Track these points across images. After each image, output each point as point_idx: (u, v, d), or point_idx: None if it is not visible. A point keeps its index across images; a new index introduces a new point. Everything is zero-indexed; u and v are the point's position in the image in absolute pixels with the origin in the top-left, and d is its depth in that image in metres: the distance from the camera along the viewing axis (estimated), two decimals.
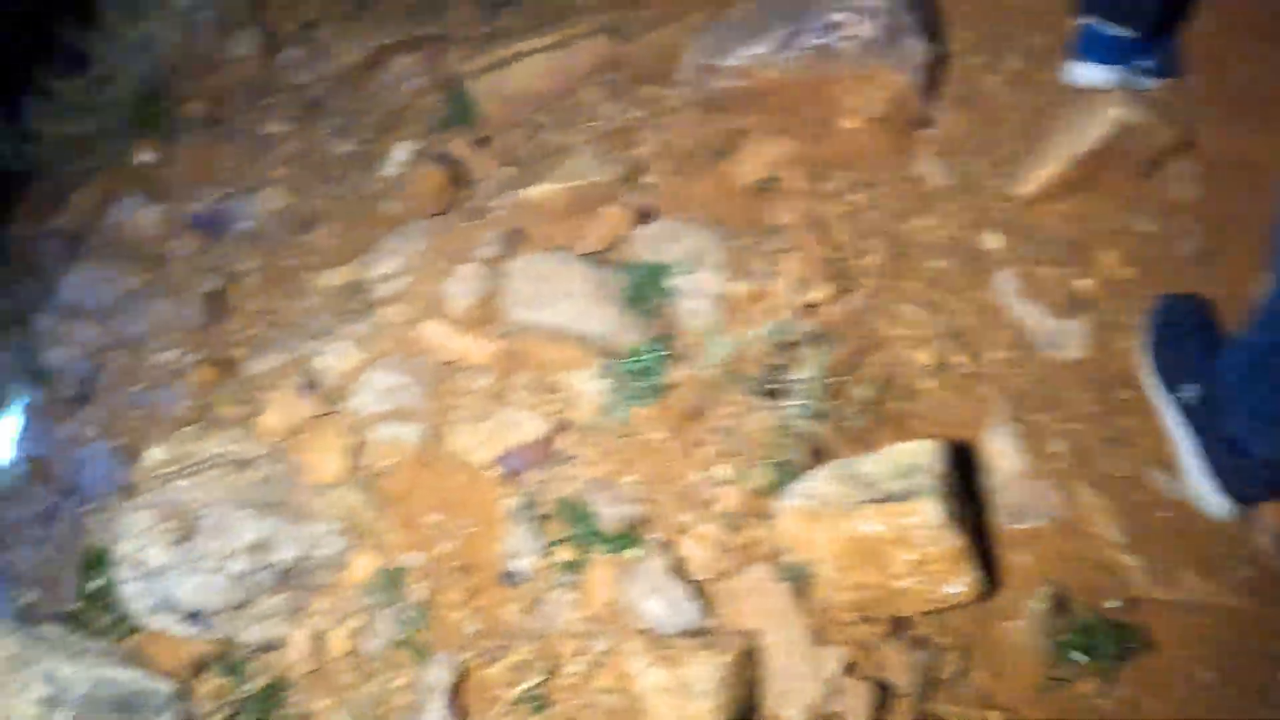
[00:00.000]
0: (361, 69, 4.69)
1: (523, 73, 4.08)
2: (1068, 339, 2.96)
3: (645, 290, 3.03)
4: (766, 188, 3.36)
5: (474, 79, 4.17)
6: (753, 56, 3.41)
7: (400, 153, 4.15)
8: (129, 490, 3.52)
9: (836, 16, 3.27)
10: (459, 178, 3.75)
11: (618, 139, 3.71)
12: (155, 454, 3.27)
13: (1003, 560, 2.64)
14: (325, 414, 3.15)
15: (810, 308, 3.02)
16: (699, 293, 3.05)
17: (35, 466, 4.36)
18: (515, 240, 3.34)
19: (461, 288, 3.19)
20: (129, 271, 4.34)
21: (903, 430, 2.88)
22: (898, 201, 3.28)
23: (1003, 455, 2.78)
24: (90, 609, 3.15)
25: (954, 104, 3.47)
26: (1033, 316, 3.00)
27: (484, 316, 3.18)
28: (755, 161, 3.38)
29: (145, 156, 4.60)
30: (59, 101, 4.59)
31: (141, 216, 4.48)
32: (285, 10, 4.93)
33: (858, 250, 3.15)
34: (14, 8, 5.18)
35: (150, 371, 4.01)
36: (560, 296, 3.03)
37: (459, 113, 4.21)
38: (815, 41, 3.30)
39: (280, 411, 3.19)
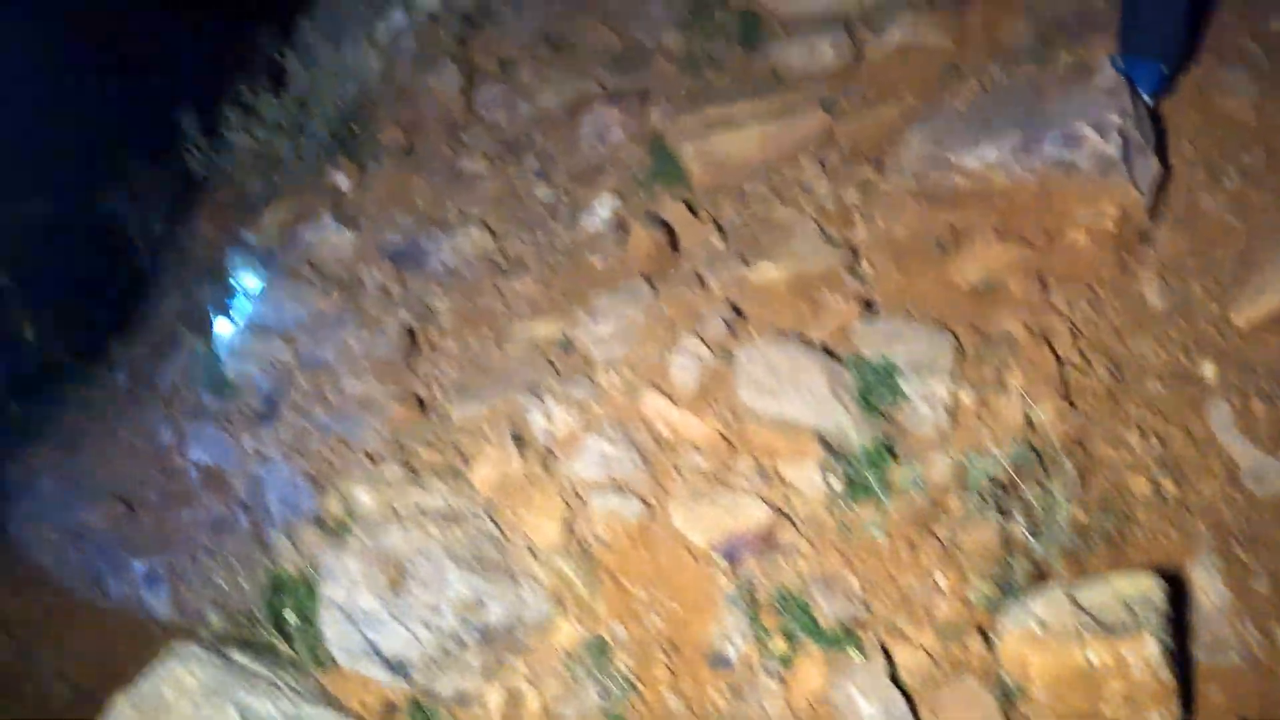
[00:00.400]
0: (560, 114, 4.72)
1: (734, 140, 4.06)
2: (1277, 477, 2.91)
3: (875, 391, 2.99)
4: (990, 291, 3.30)
5: (680, 139, 4.16)
6: (982, 159, 3.37)
7: (603, 207, 4.16)
8: (320, 522, 3.55)
9: (1079, 130, 3.22)
10: (671, 242, 3.74)
11: (834, 221, 3.68)
12: (360, 496, 3.29)
13: (1198, 693, 2.63)
14: (539, 474, 3.15)
15: (1034, 425, 2.97)
16: (928, 399, 3.00)
17: (208, 474, 4.44)
18: (737, 320, 3.32)
19: (685, 363, 3.17)
20: (320, 295, 4.40)
21: (1118, 556, 2.88)
22: (1119, 319, 3.24)
23: (1206, 589, 2.78)
24: (284, 642, 3.16)
25: (1174, 221, 3.41)
26: (1243, 450, 2.97)
27: (707, 396, 3.16)
28: (978, 263, 3.33)
29: (339, 180, 4.67)
30: (255, 117, 4.69)
31: (334, 240, 4.55)
32: (486, 47, 4.98)
33: (1080, 368, 3.11)
34: (217, 22, 5.34)
35: (339, 399, 4.06)
36: (791, 387, 3.00)
37: (663, 171, 4.21)
38: (1053, 153, 3.24)
39: (491, 465, 3.20)
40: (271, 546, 3.73)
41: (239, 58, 4.89)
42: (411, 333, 4.01)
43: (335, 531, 3.29)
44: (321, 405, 4.07)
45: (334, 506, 3.49)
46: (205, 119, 4.76)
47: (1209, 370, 3.11)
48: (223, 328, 4.51)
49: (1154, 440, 2.99)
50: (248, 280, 4.65)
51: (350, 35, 4.85)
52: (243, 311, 4.54)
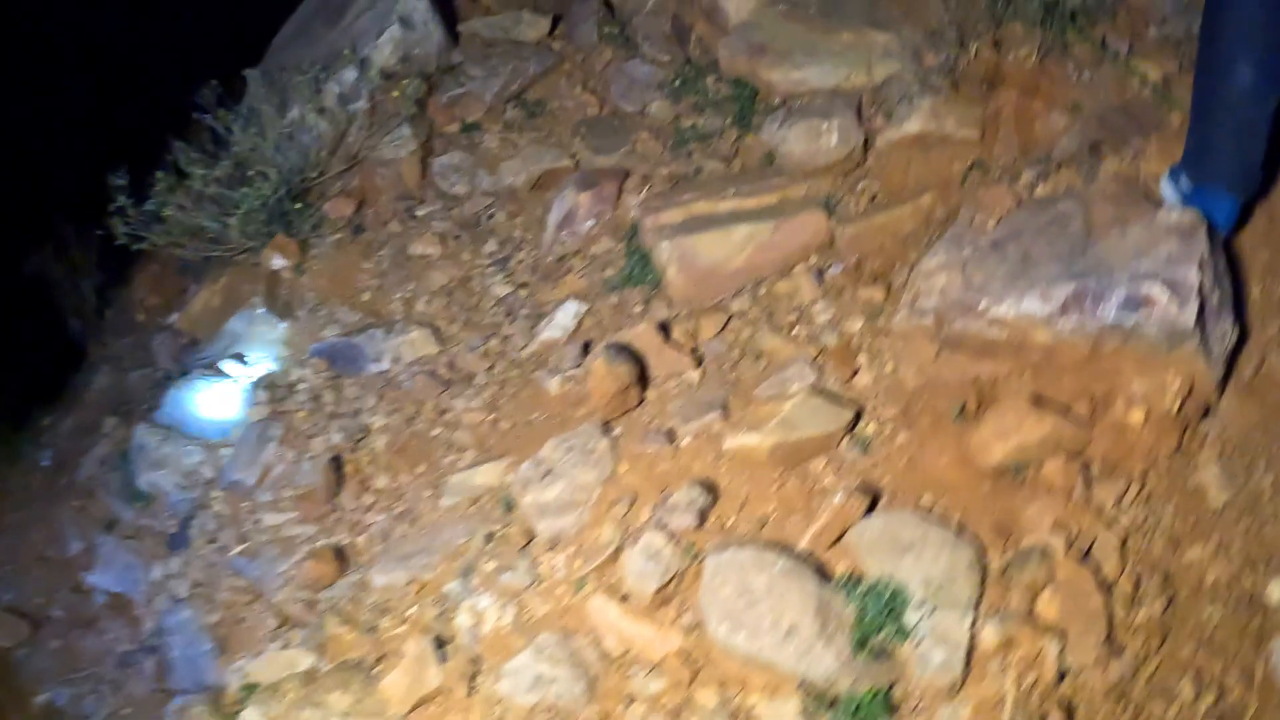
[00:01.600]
0: (526, 190, 4.14)
1: (719, 243, 3.48)
2: None
3: (875, 626, 2.43)
4: (1021, 476, 2.74)
5: (658, 236, 3.59)
6: (1021, 312, 2.78)
7: (564, 314, 3.60)
8: (215, 700, 3.05)
9: (1149, 290, 2.63)
10: (639, 376, 3.17)
11: (834, 359, 3.11)
12: (260, 675, 2.79)
13: None
14: (459, 693, 2.61)
15: (1068, 673, 2.41)
16: (940, 637, 2.44)
17: (115, 601, 3.92)
18: (709, 503, 2.75)
19: (643, 562, 2.62)
20: (244, 398, 3.86)
21: None
22: (1174, 521, 2.67)
23: None
24: None
25: (1240, 389, 2.83)
26: None
27: (668, 604, 2.62)
28: (1007, 436, 2.75)
29: (276, 261, 4.11)
30: (189, 185, 4.11)
31: (265, 332, 4.01)
32: (448, 108, 4.40)
33: (1128, 594, 2.54)
34: (151, 81, 4.78)
35: (255, 534, 3.52)
36: (769, 619, 2.45)
37: (637, 275, 3.64)
38: (1113, 316, 2.66)
39: (405, 673, 2.67)
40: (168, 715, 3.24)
41: (176, 116, 4.31)
42: (339, 461, 3.46)
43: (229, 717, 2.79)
44: (237, 537, 3.54)
45: (233, 683, 3.00)
46: (137, 183, 4.18)
47: (1276, 593, 2.53)
48: (140, 425, 3.97)
49: (1210, 691, 2.43)
50: (170, 372, 4.10)
51: (298, 94, 4.26)
52: (162, 409, 3.99)
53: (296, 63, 4.46)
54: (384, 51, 4.33)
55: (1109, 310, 2.66)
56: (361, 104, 4.33)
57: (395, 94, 4.24)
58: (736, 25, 4.13)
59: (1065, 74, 3.63)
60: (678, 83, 4.23)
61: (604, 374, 3.10)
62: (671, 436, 3.00)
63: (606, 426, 3.11)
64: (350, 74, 4.29)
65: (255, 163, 4.12)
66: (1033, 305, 2.75)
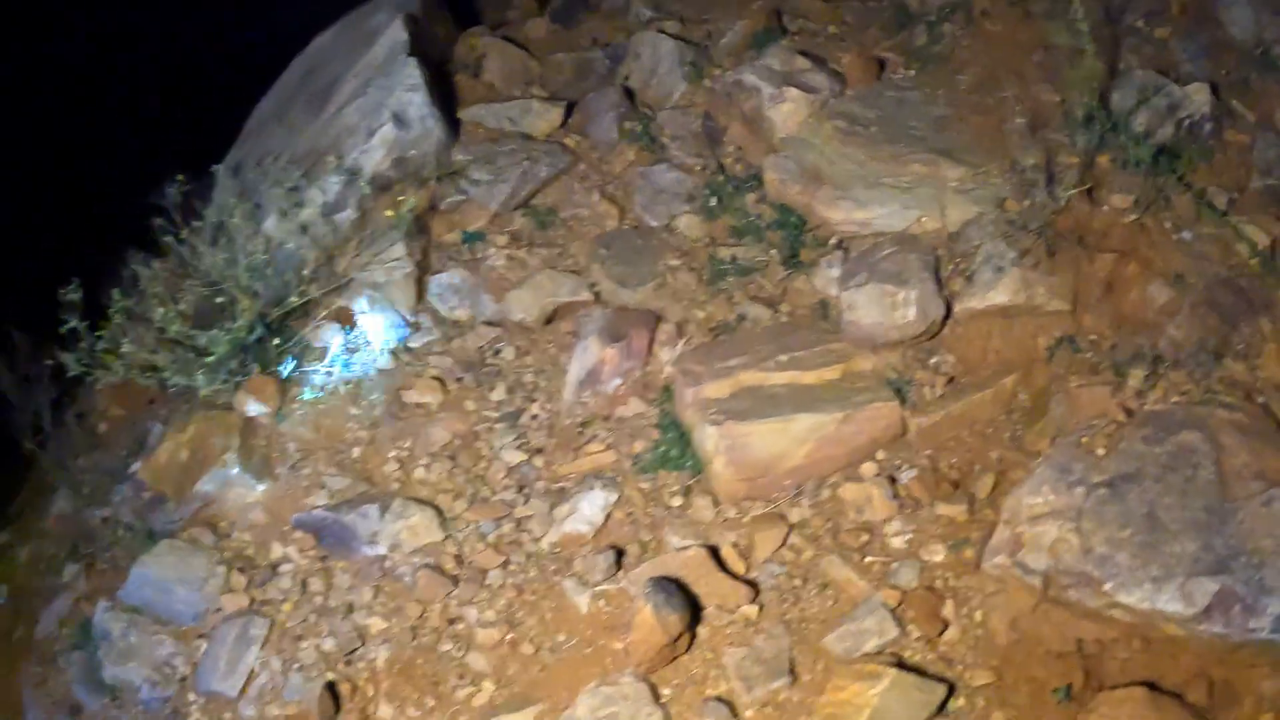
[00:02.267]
0: (537, 325, 3.64)
1: (777, 436, 3.02)
2: None
3: None
4: None
5: (702, 414, 3.11)
6: (1157, 608, 2.37)
7: (592, 503, 3.14)
8: None
9: None
10: (688, 618, 2.72)
11: (917, 609, 2.69)
12: None
13: None
14: None
15: None
16: None
17: None
18: None
19: None
20: (222, 580, 3.37)
21: None
22: None
23: None
24: None
25: None
26: None
27: None
28: None
29: (253, 407, 3.58)
30: (148, 312, 3.54)
31: (241, 496, 3.50)
32: (448, 215, 3.85)
33: None
34: (109, 172, 4.17)
35: None
36: None
37: (676, 455, 3.18)
38: (1266, 632, 2.26)
39: None
40: None
41: (137, 228, 3.72)
42: (334, 689, 3.00)
43: None
44: None
45: None
46: (92, 304, 3.60)
47: None
48: (103, 604, 3.47)
49: None
50: (134, 529, 3.59)
51: (274, 205, 3.69)
52: (127, 584, 3.48)
53: (275, 154, 3.88)
54: (375, 156, 3.76)
55: (1262, 625, 2.26)
56: (349, 214, 3.76)
57: (389, 212, 3.67)
58: (784, 139, 3.62)
59: (1163, 231, 3.19)
60: (712, 198, 3.71)
61: (651, 625, 2.65)
62: (733, 710, 2.57)
63: (651, 684, 2.66)
64: (334, 182, 3.71)
65: (226, 288, 3.56)
66: (1171, 604, 2.34)
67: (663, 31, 4.10)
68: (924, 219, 3.29)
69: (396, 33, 4.03)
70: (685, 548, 2.86)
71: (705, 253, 3.62)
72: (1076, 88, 3.33)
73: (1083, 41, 3.29)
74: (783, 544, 2.90)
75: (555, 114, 4.01)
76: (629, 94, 4.01)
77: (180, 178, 3.60)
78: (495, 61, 4.29)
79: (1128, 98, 3.41)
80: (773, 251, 3.53)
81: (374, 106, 3.82)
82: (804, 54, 3.79)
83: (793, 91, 3.61)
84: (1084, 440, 2.72)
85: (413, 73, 3.85)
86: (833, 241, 3.44)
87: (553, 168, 3.85)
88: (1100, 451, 2.68)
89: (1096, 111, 3.26)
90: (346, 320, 3.72)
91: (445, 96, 4.03)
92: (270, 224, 3.70)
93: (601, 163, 3.93)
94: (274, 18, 4.79)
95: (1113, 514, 2.51)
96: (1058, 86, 3.57)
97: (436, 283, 3.77)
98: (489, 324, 3.68)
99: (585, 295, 3.62)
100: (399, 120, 3.77)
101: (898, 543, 2.83)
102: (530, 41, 4.54)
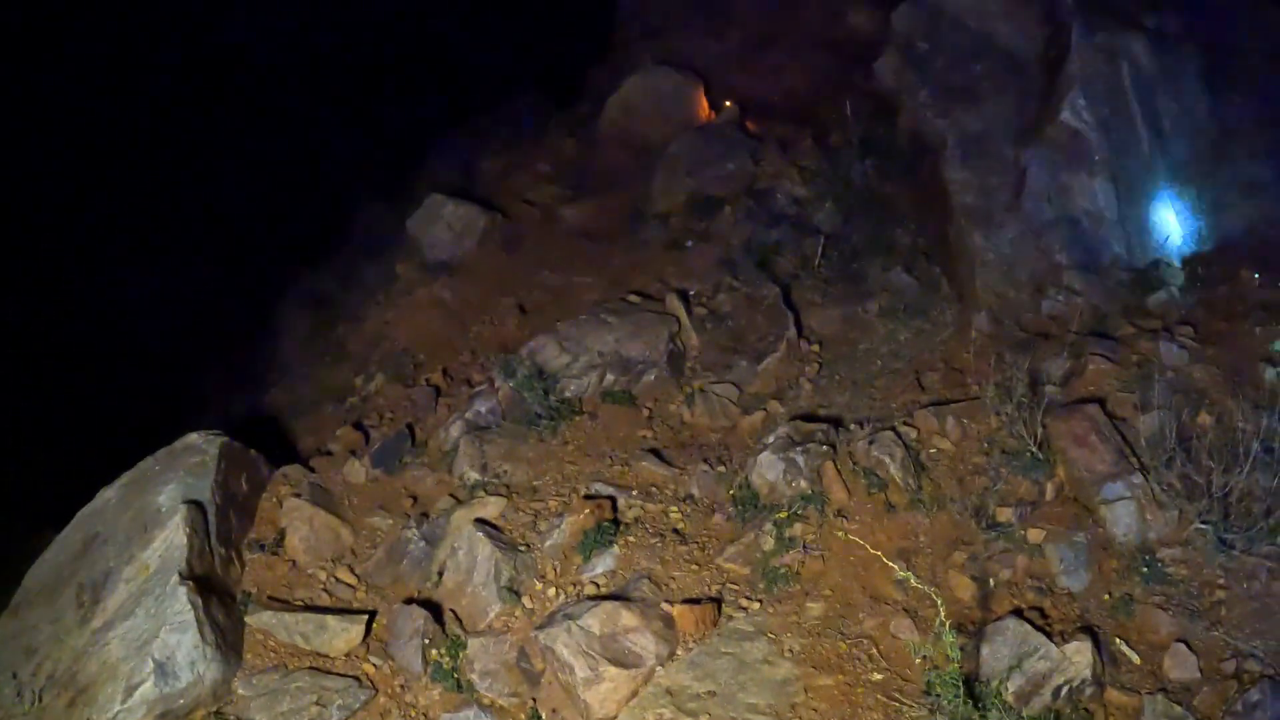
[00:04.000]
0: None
1: None
2: None
3: None
4: None
5: None
6: None
7: None
8: None
9: None
10: None
11: None
12: None
13: None
14: None
15: None
16: None
17: None
18: None
19: None
20: None
21: None
22: None
23: None
24: None
25: None
26: None
27: None
28: None
29: None
30: None
31: None
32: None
33: None
34: None
35: None
36: None
37: None
38: None
39: None
40: None
41: None
42: None
43: None
44: None
45: None
46: None
47: None
48: None
49: None
50: None
51: None
52: None
53: (39, 662, 3.40)
54: (136, 716, 3.26)
55: None
56: None
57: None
58: None
59: None
60: None
61: None
62: None
63: None
64: None
65: None
66: None
67: (484, 522, 3.67)
68: None
69: (175, 535, 3.58)
70: None
71: None
72: (939, 648, 2.90)
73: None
74: None
75: (355, 631, 3.54)
76: (436, 612, 3.54)
77: None
78: (301, 530, 3.85)
79: (999, 654, 3.00)
80: None
81: (139, 641, 3.35)
82: (628, 604, 3.31)
83: (611, 670, 3.14)
84: None
85: (183, 607, 3.39)
86: None
87: (346, 710, 3.35)
88: None
89: (959, 694, 2.82)
90: None
91: (227, 611, 3.53)
92: None
93: (404, 694, 3.45)
94: None
95: None
96: (920, 623, 3.22)
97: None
98: None
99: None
100: (163, 672, 3.29)
101: None
102: (348, 487, 4.11)
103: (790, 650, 3.24)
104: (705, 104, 6.77)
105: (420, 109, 8.25)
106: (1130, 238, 4.59)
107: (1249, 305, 4.28)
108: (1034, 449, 3.63)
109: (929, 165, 4.92)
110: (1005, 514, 3.52)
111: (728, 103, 6.74)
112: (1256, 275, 4.40)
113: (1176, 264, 4.56)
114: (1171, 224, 4.62)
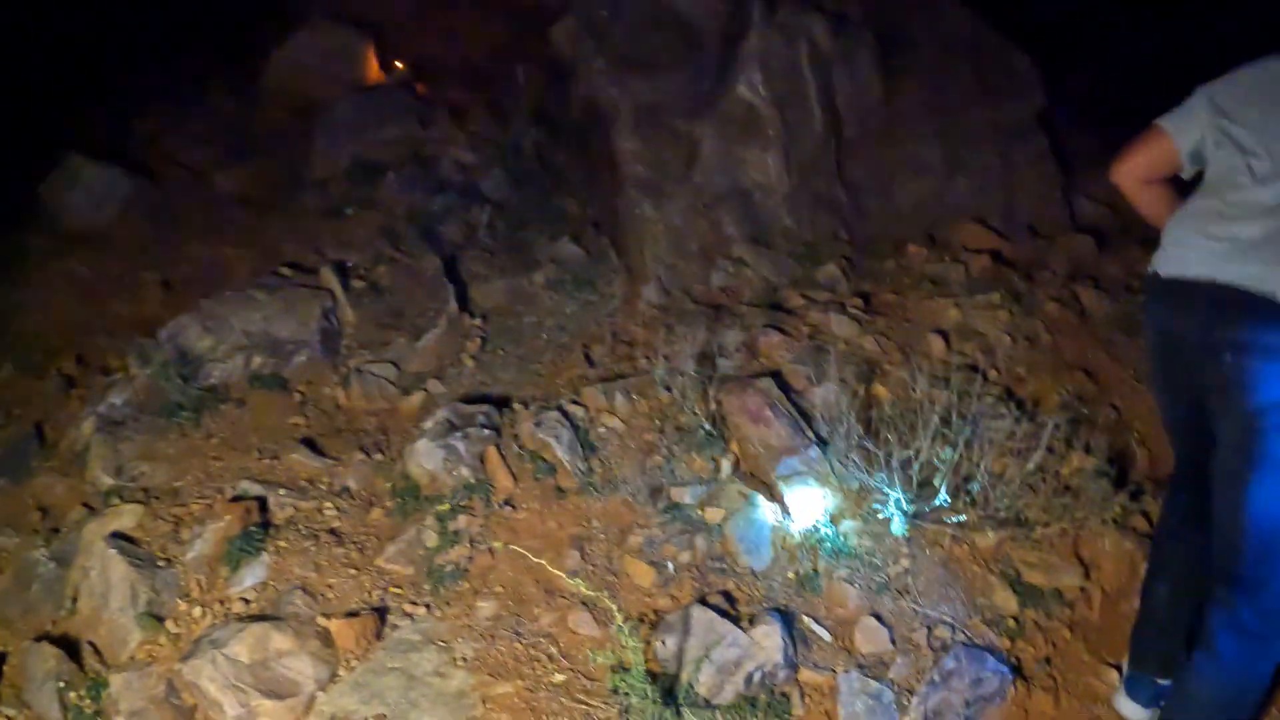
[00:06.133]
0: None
1: None
2: None
3: None
4: None
5: None
6: None
7: None
8: None
9: None
10: None
11: None
12: None
13: None
14: None
15: None
16: None
17: None
18: None
19: None
20: None
21: None
22: None
23: None
24: None
25: None
26: None
27: None
28: None
29: None
30: None
31: None
32: None
33: None
34: None
35: None
36: None
37: None
38: None
39: None
40: None
41: None
42: None
43: None
44: None
45: None
46: None
47: None
48: None
49: None
50: None
51: None
52: None
53: None
54: None
55: None
56: None
57: None
58: None
59: None
60: None
61: None
62: None
63: None
64: None
65: None
66: None
67: (119, 537, 3.27)
68: None
69: None
70: None
71: None
72: (621, 651, 2.80)
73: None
74: None
75: None
76: (74, 648, 3.11)
77: None
78: None
79: (687, 645, 2.87)
80: None
81: None
82: (280, 623, 2.97)
83: (266, 704, 2.79)
84: None
85: None
86: None
87: None
88: None
89: (648, 694, 2.71)
90: None
91: None
92: None
93: None
94: None
95: None
96: (599, 614, 3.05)
97: None
98: None
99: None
100: None
101: None
102: None
103: (463, 657, 2.99)
104: (375, 64, 6.51)
105: (65, 62, 7.40)
106: (801, 212, 4.73)
107: (916, 277, 4.51)
108: (707, 425, 3.58)
109: (602, 135, 4.84)
110: (681, 494, 3.42)
111: (399, 64, 6.47)
112: (925, 250, 4.65)
113: (846, 238, 4.73)
114: (842, 199, 4.80)
